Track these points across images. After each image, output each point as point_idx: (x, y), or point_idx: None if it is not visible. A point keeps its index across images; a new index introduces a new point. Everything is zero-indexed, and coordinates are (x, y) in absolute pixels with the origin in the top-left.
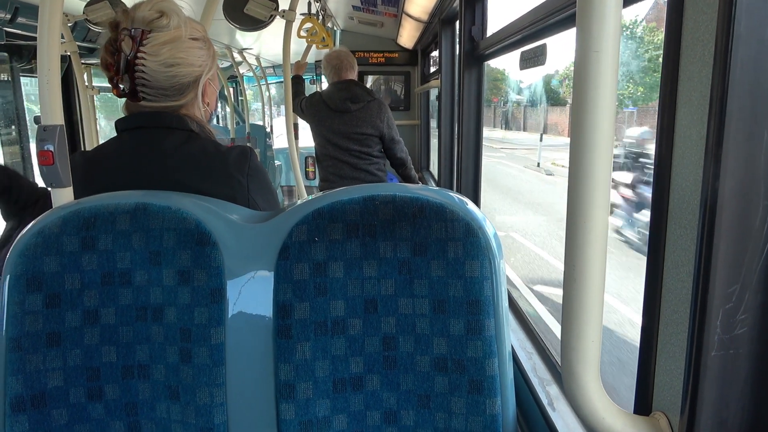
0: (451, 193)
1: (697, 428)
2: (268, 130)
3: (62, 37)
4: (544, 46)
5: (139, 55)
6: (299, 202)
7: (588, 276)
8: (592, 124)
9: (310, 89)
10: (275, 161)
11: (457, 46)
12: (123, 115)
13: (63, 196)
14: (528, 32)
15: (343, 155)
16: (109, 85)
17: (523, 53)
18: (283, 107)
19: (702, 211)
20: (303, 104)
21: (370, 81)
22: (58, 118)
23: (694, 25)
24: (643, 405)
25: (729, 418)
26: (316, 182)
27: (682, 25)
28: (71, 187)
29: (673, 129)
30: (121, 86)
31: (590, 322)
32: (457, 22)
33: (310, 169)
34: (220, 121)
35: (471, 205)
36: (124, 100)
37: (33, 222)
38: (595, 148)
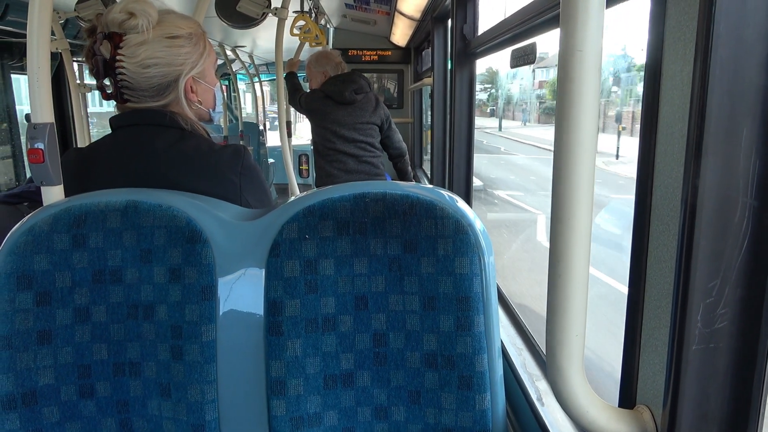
0: (442, 191)
1: (679, 421)
2: (261, 128)
3: (53, 35)
4: (533, 44)
5: (117, 57)
6: (291, 199)
7: (572, 271)
8: (575, 123)
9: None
10: (268, 159)
11: (449, 44)
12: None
13: (53, 194)
14: (518, 31)
15: (348, 148)
16: None
17: (513, 51)
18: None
19: (683, 207)
20: (302, 101)
21: None
22: (48, 116)
23: (677, 25)
24: (627, 398)
25: (710, 410)
26: (310, 180)
27: (665, 25)
28: (62, 185)
29: (656, 127)
30: (107, 89)
31: (574, 316)
32: (450, 20)
33: (304, 167)
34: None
35: (461, 203)
36: None
37: (23, 220)
38: (578, 145)
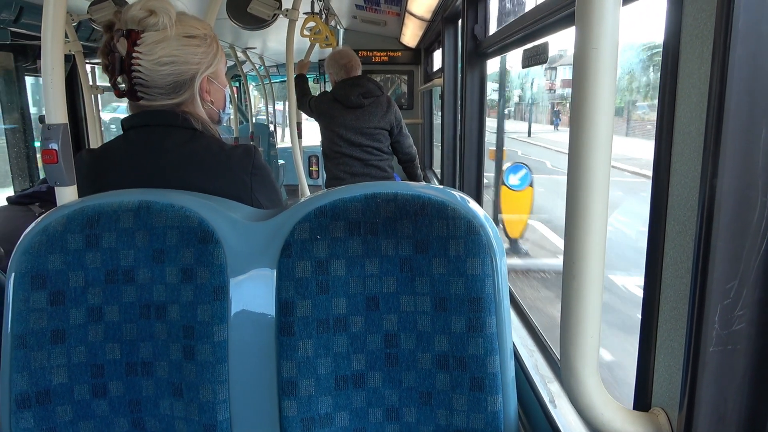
0: (453, 191)
1: (696, 424)
2: (272, 129)
3: (66, 37)
4: (546, 44)
5: (134, 54)
6: (302, 199)
7: (587, 273)
8: (591, 123)
9: (313, 89)
10: (279, 160)
11: (460, 45)
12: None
13: (67, 195)
14: (530, 30)
15: (354, 151)
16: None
17: (525, 51)
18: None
19: (700, 207)
20: (312, 103)
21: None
22: (61, 117)
23: (693, 22)
24: (642, 401)
25: (727, 413)
26: (320, 182)
27: (681, 22)
28: (75, 186)
29: (672, 126)
30: (121, 86)
31: (589, 318)
32: (460, 21)
33: (314, 168)
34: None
35: (473, 203)
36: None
37: (37, 220)
38: (594, 145)
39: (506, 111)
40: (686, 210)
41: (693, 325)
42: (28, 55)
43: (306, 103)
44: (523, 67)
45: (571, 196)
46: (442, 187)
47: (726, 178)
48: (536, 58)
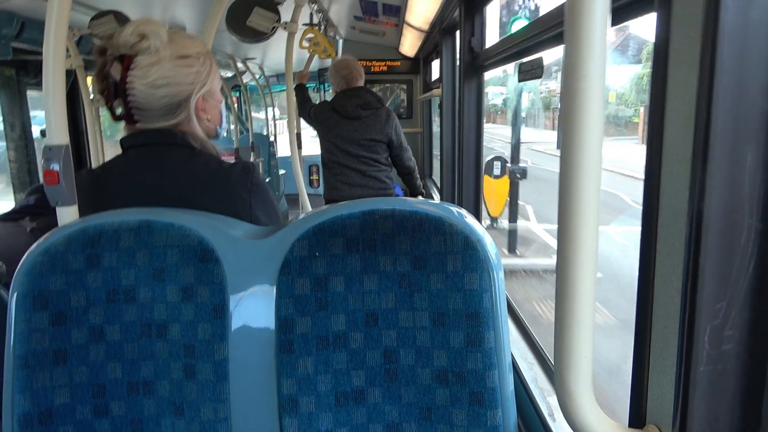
0: (451, 207)
1: None
2: (272, 139)
3: (67, 51)
4: (540, 59)
5: (128, 79)
6: (301, 216)
7: (579, 292)
8: (580, 140)
9: (312, 98)
10: (279, 170)
11: (458, 56)
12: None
13: (68, 215)
14: (525, 45)
15: (352, 162)
16: None
17: (520, 65)
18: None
19: (689, 230)
20: (312, 112)
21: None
22: (63, 137)
23: (680, 48)
24: (637, 418)
25: (719, 431)
26: (321, 190)
27: (669, 48)
28: (76, 206)
29: (661, 150)
30: (117, 110)
31: (582, 337)
32: (458, 32)
33: (314, 177)
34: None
35: (470, 218)
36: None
37: (39, 240)
38: (583, 165)
39: (522, 116)
40: (676, 232)
41: (683, 344)
42: (29, 70)
43: (307, 110)
44: (519, 81)
45: (562, 219)
46: (439, 202)
47: (713, 202)
48: (532, 72)
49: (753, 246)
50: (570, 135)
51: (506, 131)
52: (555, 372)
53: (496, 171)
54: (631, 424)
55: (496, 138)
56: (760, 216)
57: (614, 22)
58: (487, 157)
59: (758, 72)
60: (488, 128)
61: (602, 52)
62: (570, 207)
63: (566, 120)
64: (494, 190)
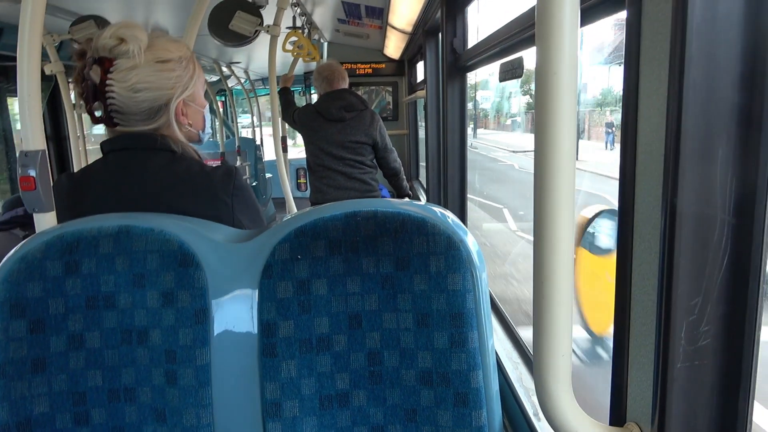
0: (434, 207)
1: None
2: (258, 143)
3: (48, 58)
4: (521, 58)
5: (107, 82)
6: (284, 218)
7: (556, 292)
8: (554, 137)
9: (298, 101)
10: (266, 174)
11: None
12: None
13: (46, 221)
14: (505, 45)
15: (337, 164)
16: None
17: (501, 65)
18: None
19: (663, 226)
20: (296, 115)
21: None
22: (39, 143)
23: (651, 45)
24: (617, 416)
25: (698, 427)
26: (308, 194)
27: (641, 46)
28: (54, 212)
29: (636, 146)
30: (97, 113)
31: (560, 336)
32: (440, 34)
33: (302, 180)
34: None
35: (452, 219)
36: None
37: (16, 248)
38: (557, 167)
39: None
40: (650, 228)
41: (660, 341)
42: (10, 76)
43: (290, 114)
44: (501, 81)
45: (537, 223)
46: (422, 203)
47: (685, 198)
48: (512, 72)
49: (726, 241)
50: (543, 132)
51: (505, 137)
52: (534, 372)
53: (604, 240)
54: (612, 422)
55: (495, 146)
56: (732, 211)
57: (586, 21)
58: (583, 209)
59: (727, 66)
60: (482, 134)
61: (573, 49)
62: (545, 203)
63: (539, 116)
64: (602, 278)
